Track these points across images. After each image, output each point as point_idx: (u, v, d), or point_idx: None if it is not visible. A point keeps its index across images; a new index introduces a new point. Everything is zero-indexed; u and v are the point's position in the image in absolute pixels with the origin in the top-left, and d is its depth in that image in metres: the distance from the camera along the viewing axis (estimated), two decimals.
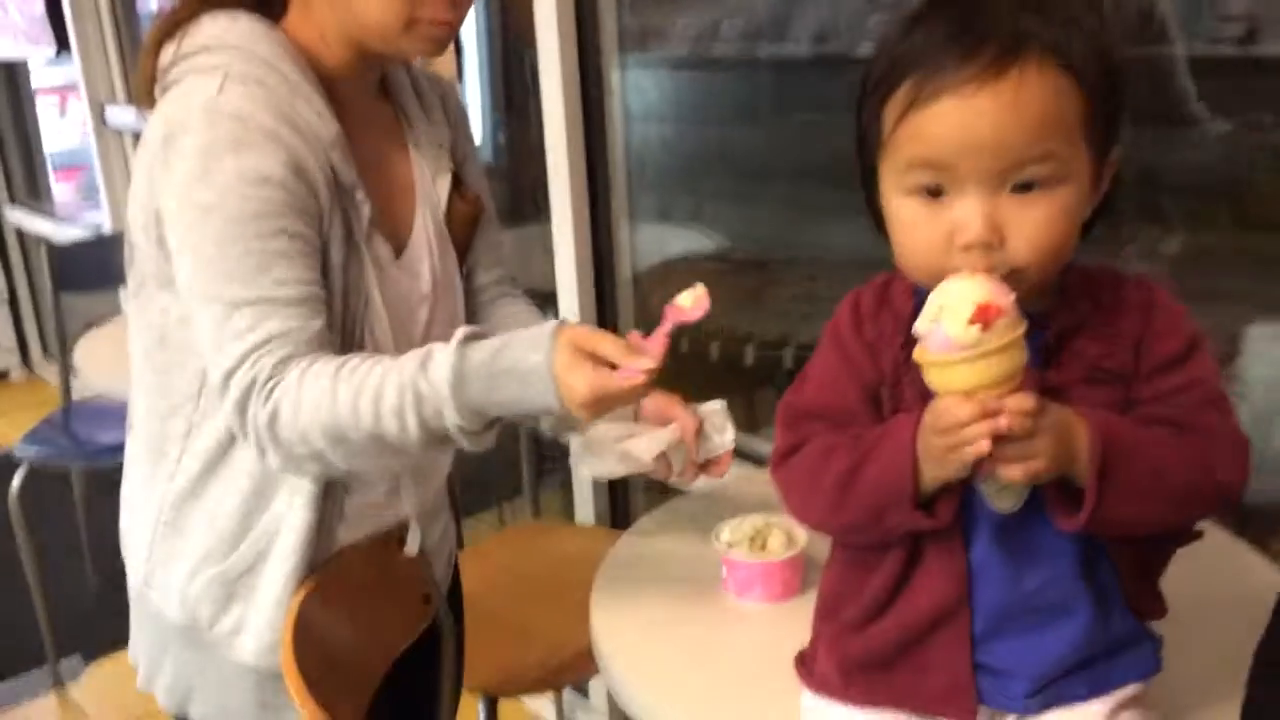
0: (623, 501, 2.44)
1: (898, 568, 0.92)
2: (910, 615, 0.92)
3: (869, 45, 2.42)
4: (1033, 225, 0.82)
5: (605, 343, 1.03)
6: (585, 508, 2.40)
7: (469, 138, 1.39)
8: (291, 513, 1.18)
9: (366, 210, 1.15)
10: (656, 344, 1.04)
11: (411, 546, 1.29)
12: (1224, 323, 1.85)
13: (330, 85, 1.16)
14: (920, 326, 0.82)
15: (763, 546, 1.24)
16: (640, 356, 1.02)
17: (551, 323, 1.07)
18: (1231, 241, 1.93)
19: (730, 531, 1.27)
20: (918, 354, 0.82)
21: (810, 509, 0.95)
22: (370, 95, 1.25)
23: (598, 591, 1.27)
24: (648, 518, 1.46)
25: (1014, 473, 0.81)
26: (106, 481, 2.60)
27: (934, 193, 0.84)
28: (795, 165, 2.35)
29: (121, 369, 2.17)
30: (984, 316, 0.77)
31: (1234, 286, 1.88)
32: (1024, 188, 0.82)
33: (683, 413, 1.22)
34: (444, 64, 2.61)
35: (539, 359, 1.03)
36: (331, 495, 1.20)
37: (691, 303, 1.08)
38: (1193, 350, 0.89)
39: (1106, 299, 0.90)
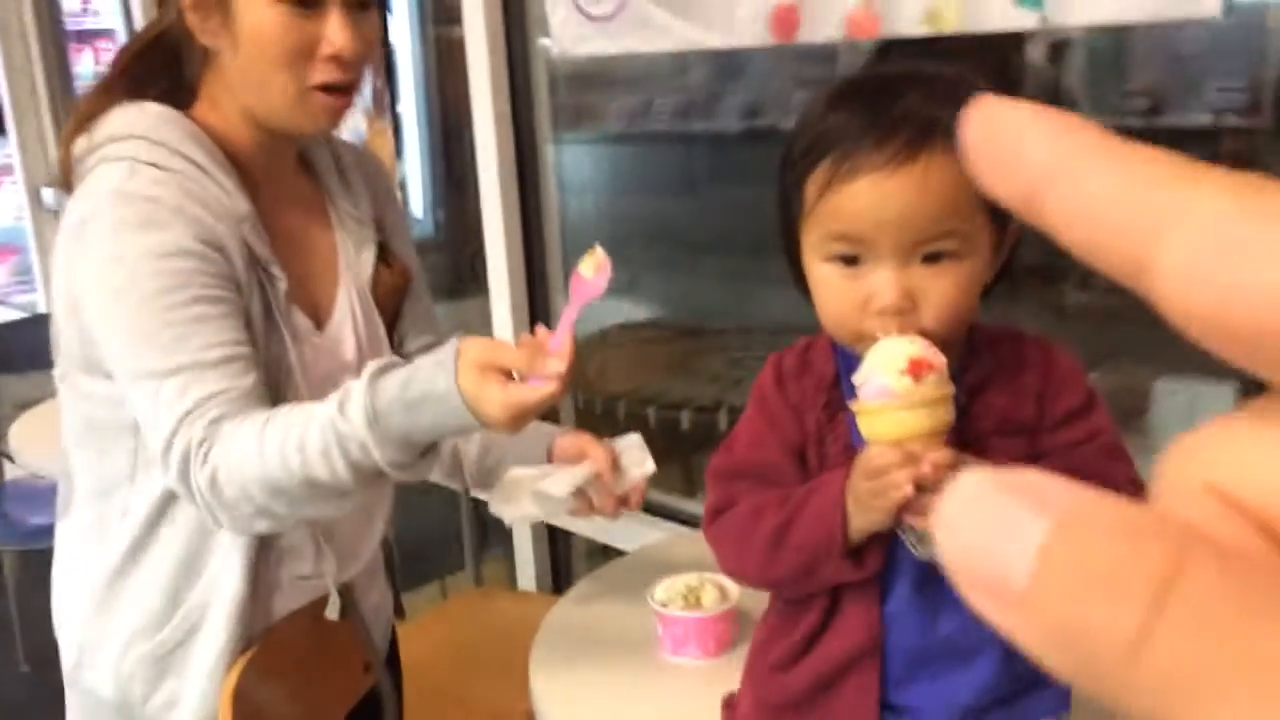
0: (564, 566, 2.45)
1: (819, 617, 0.97)
2: (824, 661, 0.97)
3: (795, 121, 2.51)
4: (940, 293, 0.89)
5: (508, 354, 1.03)
6: (527, 574, 2.41)
7: (396, 210, 1.42)
8: (222, 586, 1.19)
9: (282, 285, 1.17)
10: (562, 339, 1.02)
11: (331, 612, 1.29)
12: (1133, 380, 1.92)
13: (244, 165, 1.19)
14: (858, 377, 0.88)
15: (697, 603, 1.27)
16: (547, 359, 1.01)
17: (452, 342, 1.05)
18: (1135, 300, 2.01)
19: (664, 590, 1.29)
20: (854, 404, 0.89)
21: (744, 565, 1.00)
22: (288, 172, 1.28)
23: (536, 657, 1.29)
24: (584, 582, 1.48)
25: (932, 523, 0.86)
26: (38, 563, 2.56)
27: (850, 261, 0.91)
28: (727, 236, 2.42)
29: (56, 449, 2.16)
30: (916, 370, 0.84)
31: (1139, 344, 1.96)
32: (933, 258, 0.89)
33: (597, 448, 1.24)
34: (382, 142, 2.66)
35: (446, 383, 1.02)
36: (263, 565, 1.21)
37: (594, 271, 1.04)
38: (1091, 404, 0.95)
39: (1008, 356, 0.96)
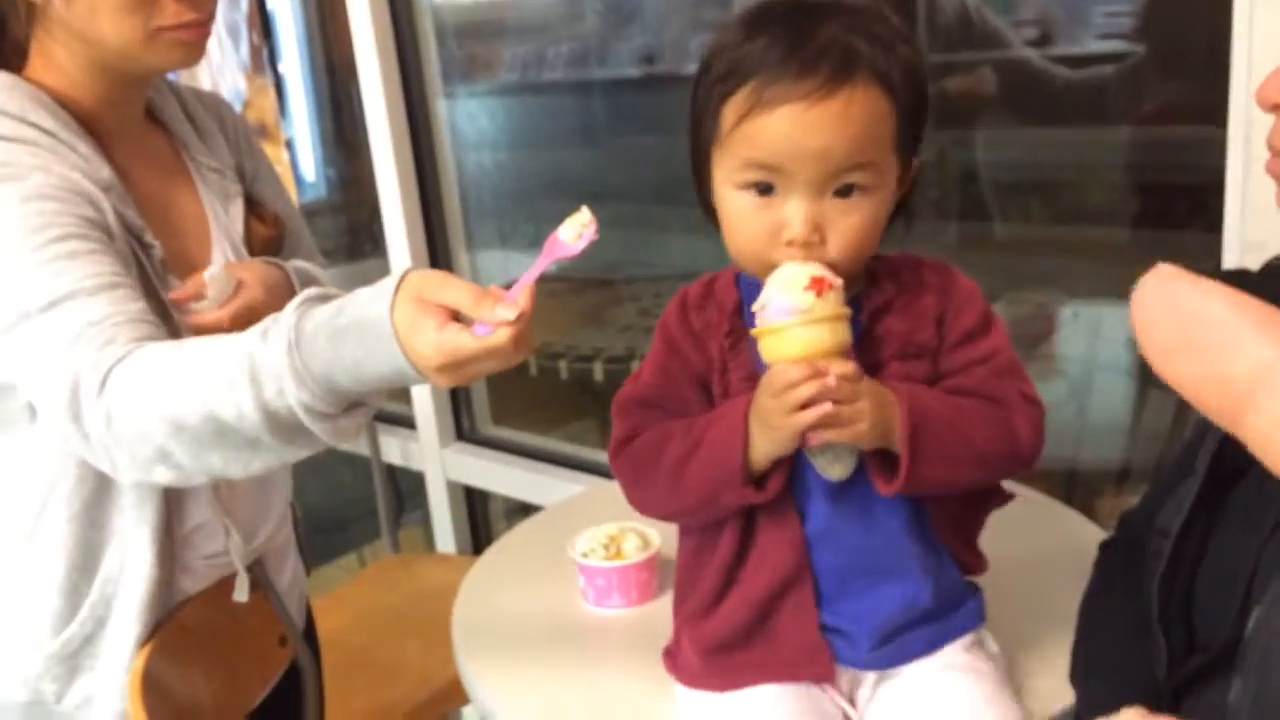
0: (484, 528, 2.42)
1: (733, 547, 0.97)
2: (753, 590, 0.97)
3: (695, 65, 2.48)
4: (849, 227, 0.90)
5: (453, 290, 0.86)
6: (445, 538, 2.38)
7: (256, 152, 1.35)
8: (128, 575, 1.13)
9: (157, 253, 1.10)
10: (518, 290, 0.86)
11: (239, 594, 1.25)
12: (1043, 304, 1.95)
13: (93, 127, 1.11)
14: (758, 303, 0.89)
15: (618, 553, 1.25)
16: (496, 304, 0.85)
17: (397, 271, 0.90)
18: (1041, 231, 2.05)
19: (585, 542, 1.27)
20: (755, 330, 0.89)
21: (648, 495, 1.00)
22: (138, 128, 1.20)
23: (458, 618, 1.26)
24: (502, 540, 1.45)
25: (841, 435, 0.89)
26: None
27: (764, 190, 0.90)
28: (630, 184, 2.39)
29: None
30: (818, 286, 0.86)
31: (1045, 272, 1.99)
32: (844, 192, 0.90)
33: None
34: (264, 101, 2.56)
35: (379, 310, 0.87)
36: (171, 549, 1.16)
37: (575, 235, 0.88)
38: (988, 324, 0.97)
39: (909, 281, 0.98)
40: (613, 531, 1.28)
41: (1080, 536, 1.30)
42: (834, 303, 0.87)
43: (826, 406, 0.86)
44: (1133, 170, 1.92)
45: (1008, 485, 1.03)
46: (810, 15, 0.90)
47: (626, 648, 1.17)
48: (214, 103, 1.33)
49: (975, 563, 1.02)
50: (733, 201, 0.92)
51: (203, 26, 1.11)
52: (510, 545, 1.44)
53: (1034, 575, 1.18)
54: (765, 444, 0.90)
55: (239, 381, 0.90)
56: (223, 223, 1.23)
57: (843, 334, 0.88)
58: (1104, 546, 1.06)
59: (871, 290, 0.97)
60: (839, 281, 0.88)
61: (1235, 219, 1.29)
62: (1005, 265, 2.04)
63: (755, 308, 0.89)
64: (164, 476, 0.97)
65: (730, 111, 0.90)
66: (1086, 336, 1.92)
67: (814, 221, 0.89)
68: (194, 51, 1.12)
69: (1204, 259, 1.73)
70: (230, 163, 1.28)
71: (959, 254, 2.11)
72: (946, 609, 0.98)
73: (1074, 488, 1.82)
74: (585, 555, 1.26)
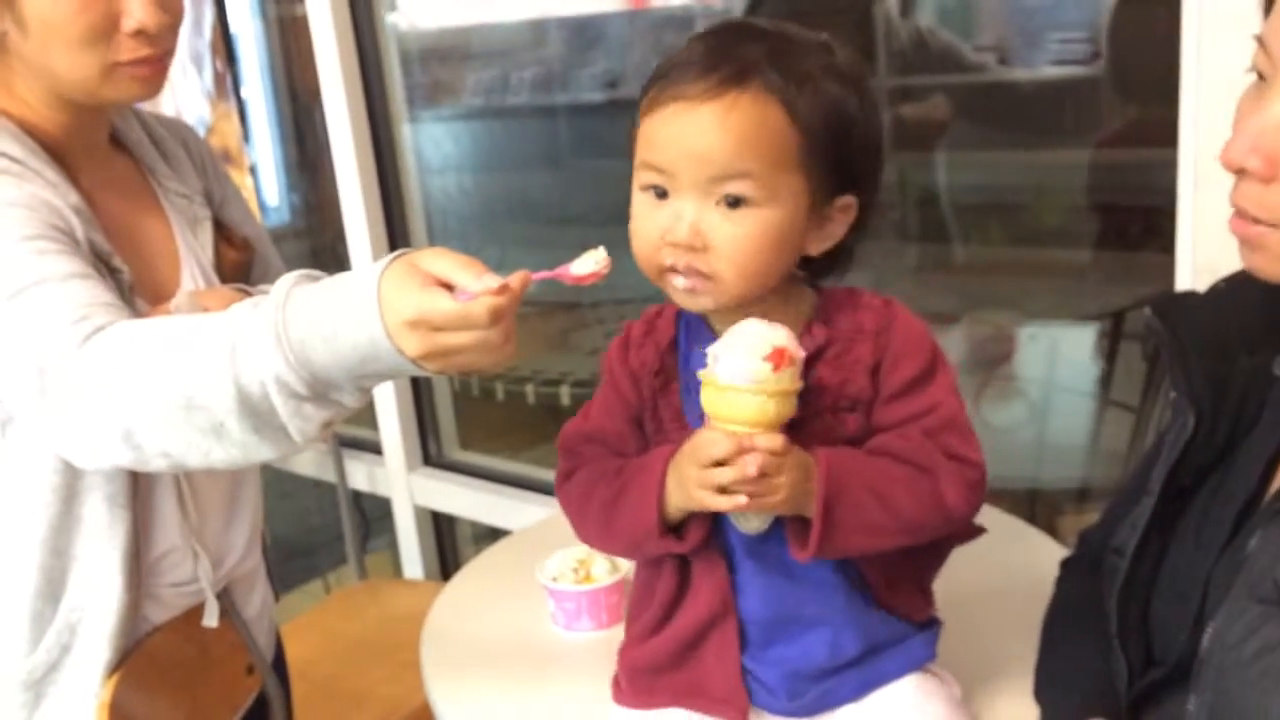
0: (451, 553, 2.42)
1: (673, 585, 0.99)
2: (684, 628, 0.98)
3: None
4: (732, 237, 0.88)
5: (445, 258, 0.84)
6: (413, 564, 2.37)
7: (222, 178, 1.34)
8: (95, 602, 1.13)
9: (126, 278, 1.09)
10: (514, 276, 0.83)
11: (209, 619, 1.24)
12: (1003, 325, 1.99)
13: (57, 153, 1.11)
14: (714, 347, 0.88)
15: (587, 576, 1.26)
16: (483, 274, 0.82)
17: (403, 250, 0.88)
18: (1004, 254, 2.08)
19: (554, 565, 1.28)
20: (703, 374, 0.88)
21: (584, 533, 1.02)
22: (103, 154, 1.20)
23: (427, 643, 1.26)
24: (472, 564, 1.46)
25: (754, 507, 0.89)
26: None
27: (661, 194, 0.90)
28: (596, 208, 2.40)
29: None
30: (777, 359, 0.85)
31: (1006, 293, 2.02)
32: (733, 204, 0.88)
33: None
34: (227, 127, 2.56)
35: (369, 275, 0.85)
36: (138, 576, 1.15)
37: (591, 266, 0.86)
38: (928, 375, 0.94)
39: (845, 327, 0.95)
40: (581, 555, 1.28)
41: (1043, 554, 1.32)
42: (789, 378, 0.86)
43: (739, 499, 0.86)
44: (1089, 192, 1.96)
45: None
46: (741, 34, 0.92)
47: (597, 671, 1.17)
48: (178, 128, 1.32)
49: (914, 605, 1.00)
50: (636, 203, 0.92)
51: (160, 62, 1.11)
52: (478, 570, 1.44)
53: (997, 593, 1.19)
54: (681, 500, 0.91)
55: (218, 351, 0.87)
56: (192, 247, 1.23)
57: (787, 409, 0.87)
58: (1065, 564, 1.08)
59: (804, 336, 0.93)
60: (800, 355, 0.87)
61: (1187, 242, 1.32)
62: (965, 286, 2.07)
63: (710, 350, 0.88)
64: (123, 457, 0.93)
65: (640, 112, 0.91)
66: (1046, 357, 1.95)
67: (696, 226, 0.88)
68: (151, 86, 1.12)
69: (1158, 281, 1.77)
70: (197, 187, 1.28)
71: (919, 275, 2.14)
72: (878, 652, 0.97)
73: (1036, 506, 1.85)
74: (555, 579, 1.26)
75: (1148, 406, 1.77)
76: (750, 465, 0.84)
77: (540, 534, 1.48)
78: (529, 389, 2.28)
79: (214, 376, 0.87)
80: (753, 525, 0.93)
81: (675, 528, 0.94)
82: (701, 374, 0.88)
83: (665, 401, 0.96)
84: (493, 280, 0.81)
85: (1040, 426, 1.94)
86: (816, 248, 0.93)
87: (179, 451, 0.92)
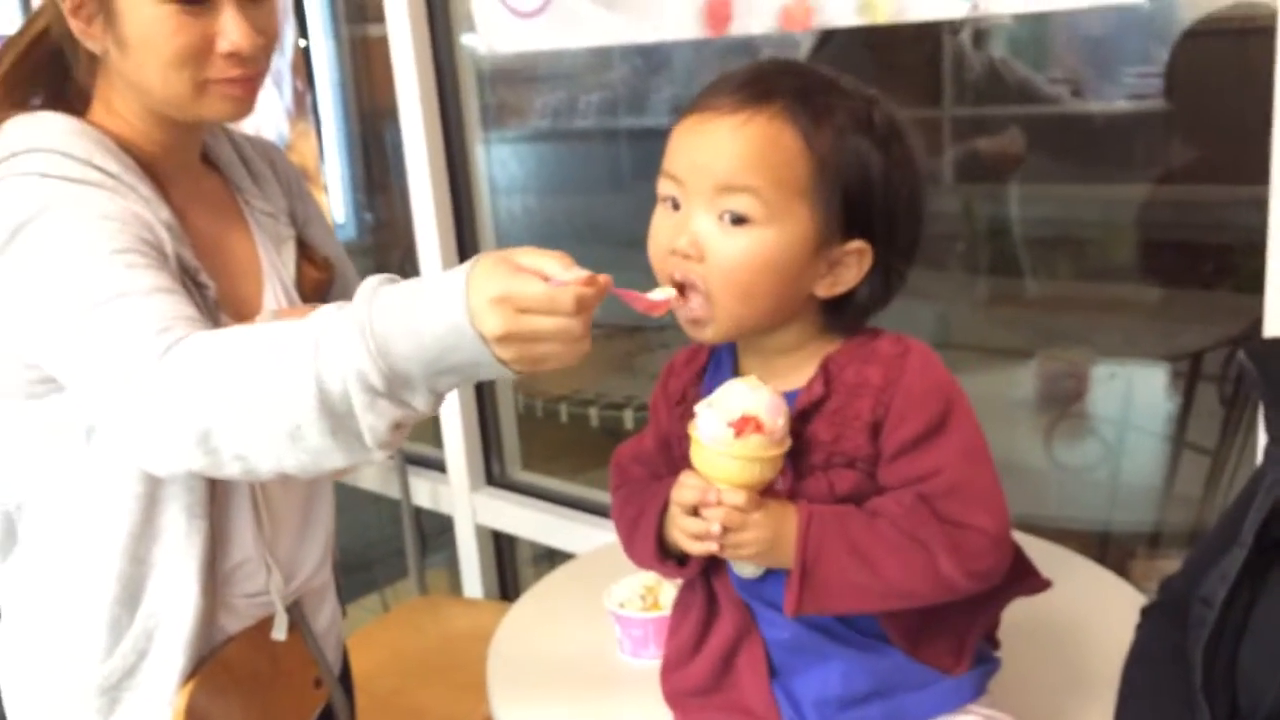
0: (511, 573, 2.43)
1: (704, 604, 1.01)
2: (717, 646, 1.00)
3: None
4: (728, 252, 0.89)
5: (539, 254, 0.85)
6: (473, 582, 2.38)
7: (307, 198, 1.37)
8: (172, 609, 1.15)
9: (211, 293, 1.12)
10: (600, 276, 0.85)
11: (278, 632, 1.26)
12: (1075, 362, 1.96)
13: (152, 170, 1.14)
14: (699, 405, 0.91)
15: (655, 603, 1.25)
16: (570, 268, 0.84)
17: None
18: (1076, 288, 2.06)
19: (621, 591, 1.28)
20: (690, 425, 0.91)
21: (623, 544, 1.05)
22: (195, 171, 1.23)
23: (493, 665, 1.27)
24: (537, 586, 1.46)
25: (726, 554, 0.92)
26: None
27: (676, 205, 0.91)
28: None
29: None
30: (741, 426, 0.87)
31: (1077, 329, 2.00)
32: (736, 221, 0.88)
33: None
34: (305, 145, 2.60)
35: (461, 267, 0.87)
36: (213, 585, 1.17)
37: (661, 296, 0.90)
38: (932, 435, 0.90)
39: (849, 380, 0.92)
40: (650, 582, 1.28)
41: (1115, 598, 1.30)
42: (755, 446, 0.87)
43: (711, 545, 0.89)
44: (1161, 228, 1.93)
45: (1039, 553, 0.99)
46: (784, 68, 0.94)
47: (662, 700, 1.17)
48: (266, 148, 1.35)
49: (946, 659, 0.96)
50: (654, 214, 0.93)
51: (251, 82, 1.14)
52: (544, 592, 1.45)
53: (1068, 636, 1.17)
54: (672, 534, 0.95)
55: (302, 348, 0.89)
56: (275, 265, 1.26)
57: (759, 472, 0.88)
58: (1145, 612, 1.06)
59: (806, 389, 0.93)
60: (774, 425, 0.87)
61: (1277, 283, 1.29)
62: (1036, 321, 2.05)
63: (697, 407, 0.90)
64: (197, 462, 0.94)
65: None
66: (1120, 396, 1.93)
67: (695, 235, 0.88)
68: (243, 105, 1.15)
69: (1233, 321, 1.74)
70: (283, 206, 1.30)
71: (989, 309, 2.13)
72: (900, 691, 0.96)
73: (1107, 548, 1.82)
74: (622, 605, 1.26)
75: (1225, 450, 1.74)
76: (713, 520, 0.88)
77: (606, 558, 1.48)
78: (593, 412, 2.29)
79: (296, 373, 0.88)
80: (746, 570, 0.96)
81: (678, 557, 0.98)
82: (689, 426, 0.91)
83: (684, 431, 0.96)
84: (581, 272, 0.83)
85: (1113, 467, 1.91)
86: (825, 290, 0.92)
87: (253, 455, 0.92)
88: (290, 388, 0.88)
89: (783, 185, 0.88)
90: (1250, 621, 0.87)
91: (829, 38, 1.79)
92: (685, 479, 0.91)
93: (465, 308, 0.84)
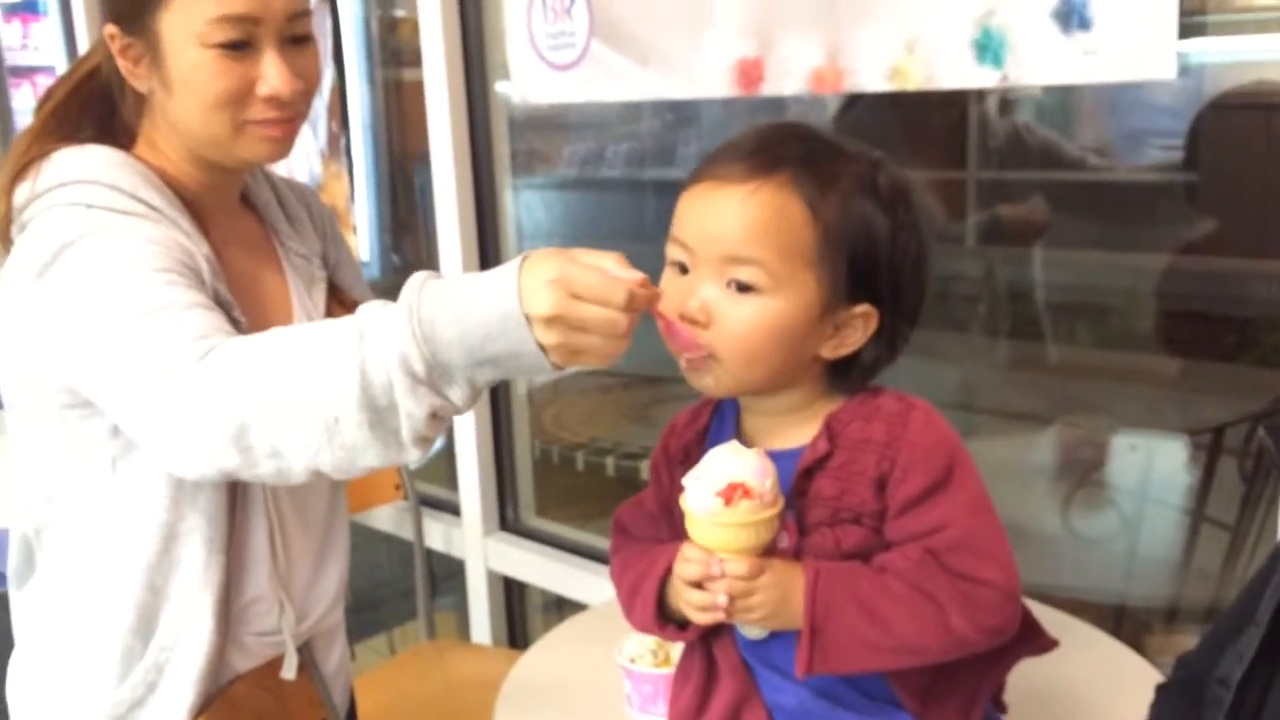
0: (520, 619, 2.42)
1: (703, 668, 1.01)
2: (718, 710, 0.99)
3: None
4: (734, 319, 0.90)
5: (591, 252, 0.87)
6: (481, 627, 2.37)
7: (339, 242, 1.40)
8: (184, 642, 1.15)
9: (244, 327, 1.13)
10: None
11: (287, 671, 1.26)
12: (1094, 432, 1.96)
13: (192, 206, 1.16)
14: (686, 479, 0.90)
15: (665, 659, 1.25)
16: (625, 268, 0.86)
17: None
18: (1097, 356, 2.05)
19: (632, 645, 1.27)
20: (681, 500, 0.91)
21: (623, 608, 1.04)
22: (233, 211, 1.25)
23: (501, 714, 1.26)
24: (547, 636, 1.46)
25: (734, 621, 0.92)
26: None
27: (684, 270, 0.92)
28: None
29: None
30: (729, 494, 0.87)
31: (1096, 397, 1.99)
32: (743, 289, 0.89)
33: None
34: (337, 186, 2.64)
35: (516, 260, 0.88)
36: (226, 622, 1.17)
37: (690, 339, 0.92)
38: (938, 489, 0.90)
39: (853, 436, 0.93)
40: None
41: (1129, 671, 1.28)
42: (746, 511, 0.87)
43: (719, 614, 0.89)
44: (1184, 299, 1.93)
45: (1053, 624, 0.98)
46: (789, 132, 0.95)
47: None
48: (303, 192, 1.38)
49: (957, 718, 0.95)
50: (662, 278, 0.94)
51: (290, 124, 1.16)
52: (554, 643, 1.44)
53: (1082, 710, 1.16)
54: (674, 603, 0.95)
55: (346, 337, 0.89)
56: (306, 305, 1.27)
57: (755, 537, 0.88)
58: (1161, 690, 1.05)
59: (811, 444, 0.93)
60: (763, 487, 0.87)
61: None
62: (1054, 388, 2.05)
63: (684, 480, 0.90)
64: (230, 460, 0.93)
65: (680, 190, 0.95)
66: (1139, 467, 1.92)
67: (703, 301, 0.89)
68: (280, 147, 1.17)
69: (1254, 395, 1.73)
70: (316, 249, 1.32)
71: (1008, 373, 2.12)
72: None
73: (1122, 622, 1.80)
74: (633, 660, 1.26)
75: (1244, 526, 1.73)
76: (719, 593, 0.88)
77: (618, 610, 1.47)
78: (609, 460, 2.29)
79: (340, 361, 0.88)
80: (752, 632, 0.95)
81: (679, 621, 0.97)
82: (680, 501, 0.91)
83: (679, 496, 0.96)
84: (638, 273, 0.85)
85: (1131, 539, 1.90)
86: (830, 351, 0.93)
87: (289, 450, 0.92)
88: (332, 376, 0.88)
89: (789, 255, 0.89)
90: (1267, 703, 0.86)
91: (856, 99, 1.81)
92: (686, 552, 0.91)
93: (516, 291, 0.84)
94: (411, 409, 0.88)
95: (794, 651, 0.90)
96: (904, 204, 0.93)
